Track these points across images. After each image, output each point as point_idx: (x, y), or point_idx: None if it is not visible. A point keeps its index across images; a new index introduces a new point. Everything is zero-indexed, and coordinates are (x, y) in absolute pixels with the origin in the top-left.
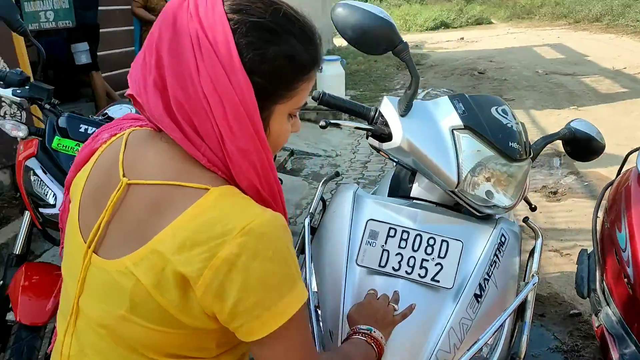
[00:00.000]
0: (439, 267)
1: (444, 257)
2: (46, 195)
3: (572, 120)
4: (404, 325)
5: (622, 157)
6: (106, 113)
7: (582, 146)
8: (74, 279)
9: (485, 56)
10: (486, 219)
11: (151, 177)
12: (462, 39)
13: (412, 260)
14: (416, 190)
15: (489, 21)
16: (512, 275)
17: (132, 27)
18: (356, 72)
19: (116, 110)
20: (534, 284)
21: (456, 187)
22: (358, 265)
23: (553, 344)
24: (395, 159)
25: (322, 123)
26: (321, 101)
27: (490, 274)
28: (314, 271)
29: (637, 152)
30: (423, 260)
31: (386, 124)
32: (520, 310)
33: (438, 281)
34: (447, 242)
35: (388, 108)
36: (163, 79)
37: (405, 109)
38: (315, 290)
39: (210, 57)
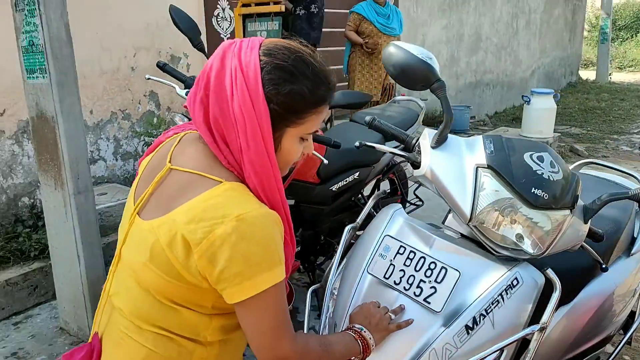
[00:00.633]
0: (432, 290)
1: (439, 282)
2: None
3: None
4: (394, 334)
5: None
6: None
7: None
8: (122, 232)
9: None
10: (512, 260)
11: (186, 166)
12: None
13: (411, 279)
14: (449, 220)
15: None
16: (517, 321)
17: (343, 48)
18: (592, 109)
19: None
20: (532, 330)
21: (469, 222)
22: (368, 273)
23: None
24: (427, 187)
25: (357, 144)
26: (371, 125)
27: (488, 311)
28: (342, 272)
29: None
30: (421, 280)
31: (419, 153)
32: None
33: (429, 302)
34: (446, 269)
35: (424, 139)
36: (207, 98)
37: (437, 142)
38: (337, 287)
39: (242, 87)
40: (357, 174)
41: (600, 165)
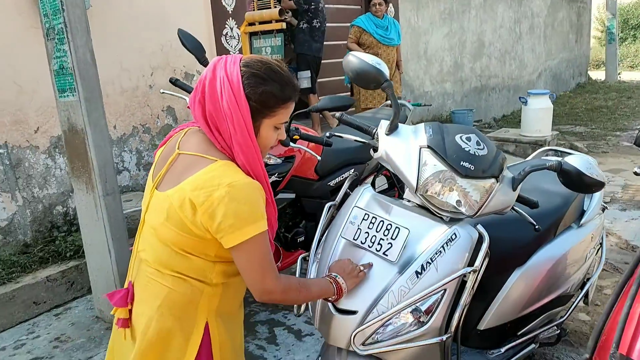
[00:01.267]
0: (389, 245)
1: (394, 239)
2: None
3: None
4: (362, 282)
5: None
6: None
7: (573, 179)
8: (145, 203)
9: None
10: (456, 221)
11: (190, 150)
12: None
13: (374, 238)
14: (407, 193)
15: None
16: (456, 267)
17: None
18: (598, 108)
19: None
20: (466, 271)
21: (416, 191)
22: (342, 237)
23: None
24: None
25: (327, 134)
26: (341, 120)
27: (433, 259)
28: (324, 239)
29: None
30: (380, 239)
31: (378, 140)
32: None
33: (387, 255)
34: (399, 228)
35: (381, 129)
36: (204, 99)
37: (389, 130)
38: (319, 252)
39: (228, 90)
40: (353, 170)
41: (560, 152)
